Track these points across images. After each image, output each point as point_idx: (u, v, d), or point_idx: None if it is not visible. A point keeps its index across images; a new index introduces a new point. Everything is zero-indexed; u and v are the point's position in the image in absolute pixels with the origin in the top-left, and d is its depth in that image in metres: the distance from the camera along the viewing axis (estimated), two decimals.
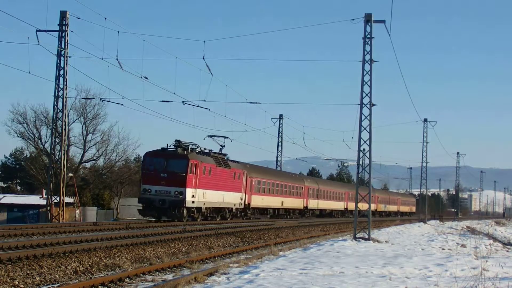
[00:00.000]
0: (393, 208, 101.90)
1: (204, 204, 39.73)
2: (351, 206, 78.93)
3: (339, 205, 77.96)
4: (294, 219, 58.20)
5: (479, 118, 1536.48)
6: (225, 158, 44.24)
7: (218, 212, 43.42)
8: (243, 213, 49.02)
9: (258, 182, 51.99)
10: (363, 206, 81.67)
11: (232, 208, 45.57)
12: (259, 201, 52.19)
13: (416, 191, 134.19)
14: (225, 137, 45.20)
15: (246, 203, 48.64)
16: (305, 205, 64.63)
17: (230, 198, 44.44)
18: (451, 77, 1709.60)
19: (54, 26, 39.54)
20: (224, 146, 45.09)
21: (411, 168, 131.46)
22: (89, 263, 18.83)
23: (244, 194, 47.64)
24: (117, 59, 33.80)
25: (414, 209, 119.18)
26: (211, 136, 44.42)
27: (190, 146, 39.24)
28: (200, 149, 40.41)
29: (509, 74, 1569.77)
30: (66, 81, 40.10)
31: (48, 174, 43.87)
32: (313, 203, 67.32)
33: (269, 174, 57.61)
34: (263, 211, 54.93)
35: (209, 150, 41.96)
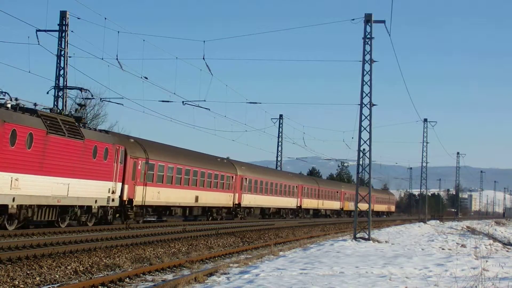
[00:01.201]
0: (362, 206, 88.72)
1: (14, 199, 23.43)
2: (307, 203, 68.34)
3: (289, 202, 62.66)
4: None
5: (479, 118, 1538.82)
6: (78, 123, 27.90)
7: (62, 213, 27.42)
8: (118, 215, 32.87)
9: (150, 166, 34.96)
10: (289, 201, 62.65)
11: (91, 207, 29.14)
12: (152, 196, 35.15)
13: (416, 191, 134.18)
14: (82, 89, 30.63)
15: (125, 198, 32.35)
16: (237, 202, 49.26)
17: (86, 191, 28.11)
18: (451, 77, 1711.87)
19: (54, 26, 39.56)
20: (85, 106, 28.54)
21: (411, 168, 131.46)
22: (89, 263, 18.82)
23: (118, 184, 31.15)
24: (117, 59, 33.73)
25: (393, 208, 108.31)
26: (60, 88, 27.26)
27: None
28: (13, 101, 24.26)
29: (509, 75, 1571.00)
30: (66, 81, 40.09)
31: None
32: (249, 199, 52.00)
33: (172, 155, 39.36)
34: (165, 210, 38.38)
35: (51, 108, 27.55)
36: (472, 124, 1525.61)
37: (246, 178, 51.13)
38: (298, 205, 65.58)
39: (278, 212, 61.33)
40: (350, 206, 76.50)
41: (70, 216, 28.30)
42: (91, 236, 24.88)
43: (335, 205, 78.24)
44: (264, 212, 57.60)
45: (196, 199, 41.36)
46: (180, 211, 39.97)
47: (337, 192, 76.35)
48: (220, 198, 45.94)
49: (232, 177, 48.33)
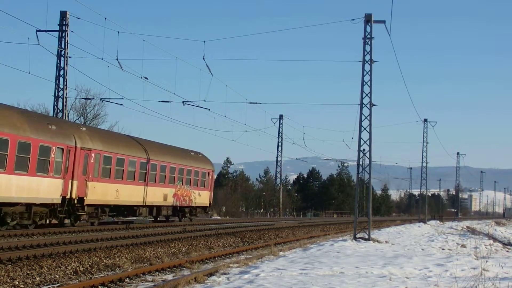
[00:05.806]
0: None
1: None
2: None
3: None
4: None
5: (479, 118, 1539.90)
6: None
7: None
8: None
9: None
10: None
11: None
12: None
13: (416, 191, 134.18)
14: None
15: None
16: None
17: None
18: (451, 78, 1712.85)
19: (54, 26, 39.61)
20: None
21: (411, 168, 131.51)
22: (89, 263, 18.82)
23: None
24: (117, 59, 33.78)
25: (204, 199, 44.51)
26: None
27: None
28: None
29: (509, 75, 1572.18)
30: (66, 81, 40.10)
31: None
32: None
33: None
34: None
35: None
36: (472, 124, 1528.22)
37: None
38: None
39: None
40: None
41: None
42: (91, 236, 24.89)
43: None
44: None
45: None
46: None
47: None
48: None
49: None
